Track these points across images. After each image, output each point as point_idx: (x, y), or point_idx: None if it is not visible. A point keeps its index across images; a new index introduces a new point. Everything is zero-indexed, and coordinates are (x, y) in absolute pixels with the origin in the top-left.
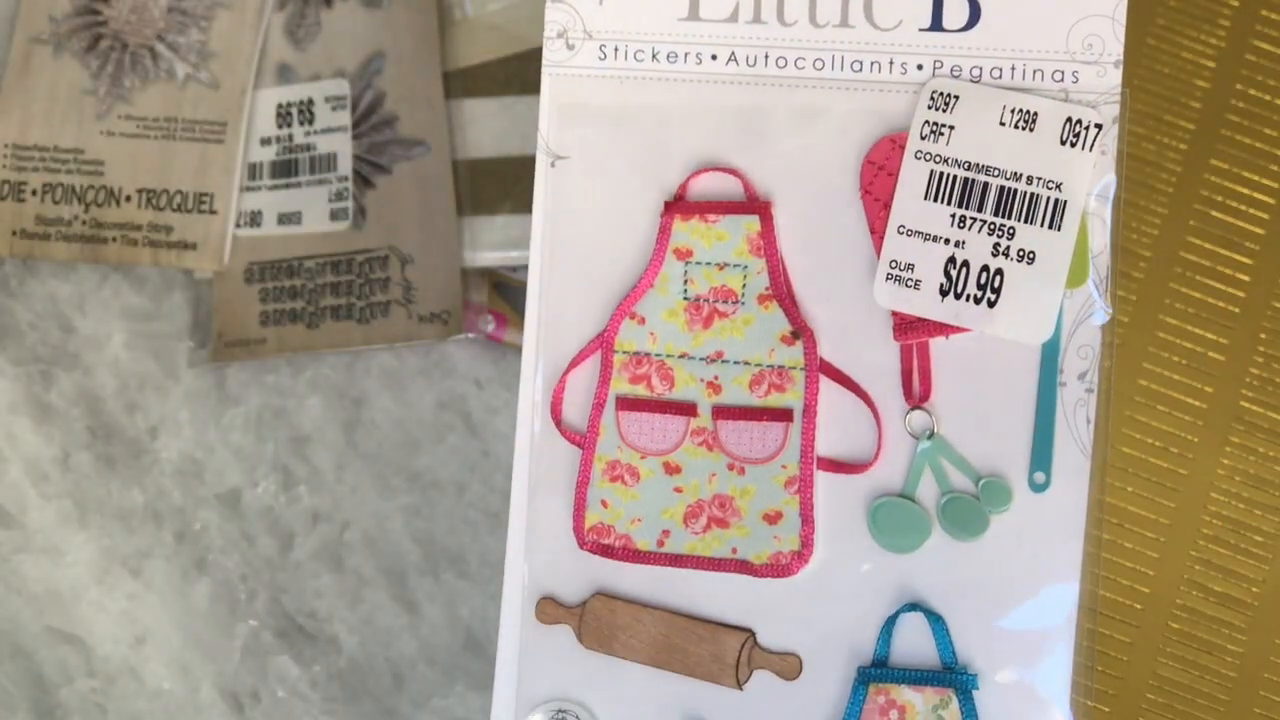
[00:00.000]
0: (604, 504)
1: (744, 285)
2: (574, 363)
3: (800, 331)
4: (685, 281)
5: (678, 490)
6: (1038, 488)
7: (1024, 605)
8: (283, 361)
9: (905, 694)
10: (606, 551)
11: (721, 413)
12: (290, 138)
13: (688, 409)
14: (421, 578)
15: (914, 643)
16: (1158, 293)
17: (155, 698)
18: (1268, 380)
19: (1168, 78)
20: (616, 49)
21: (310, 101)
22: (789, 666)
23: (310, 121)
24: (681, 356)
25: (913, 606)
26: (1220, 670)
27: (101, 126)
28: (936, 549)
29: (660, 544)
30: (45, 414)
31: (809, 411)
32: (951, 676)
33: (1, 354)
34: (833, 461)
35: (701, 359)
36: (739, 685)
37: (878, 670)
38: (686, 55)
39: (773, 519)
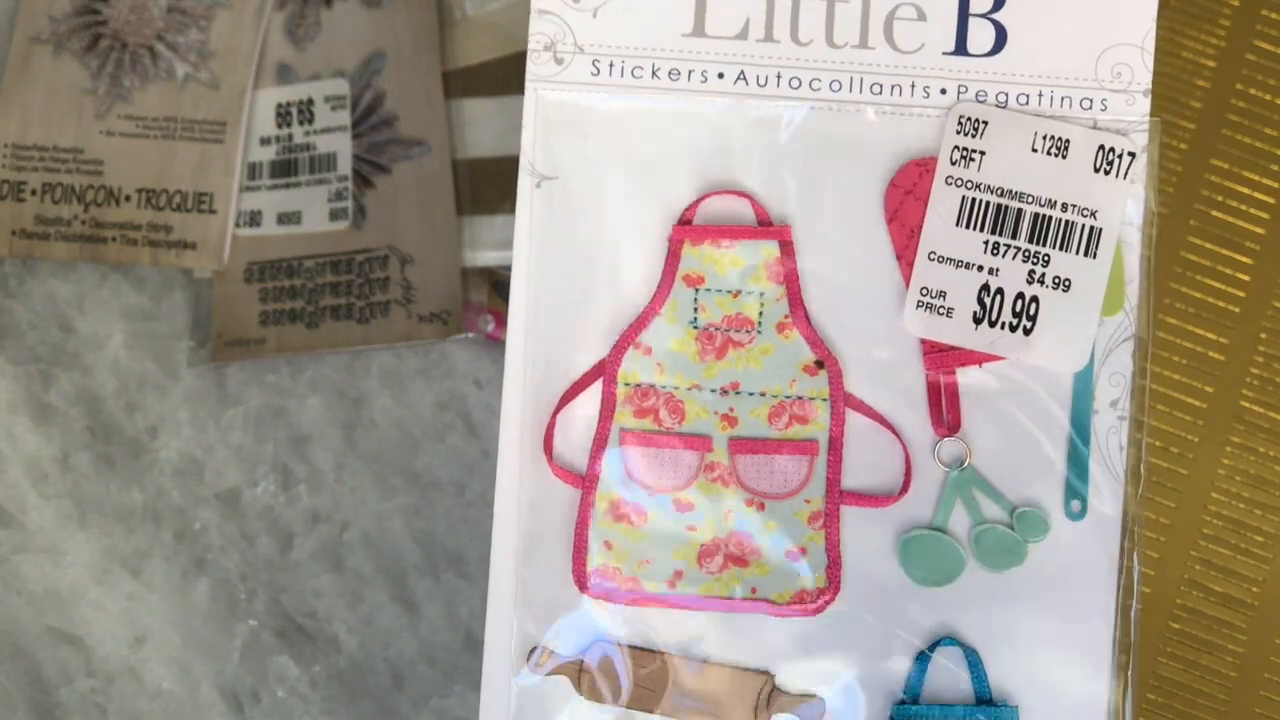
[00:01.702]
0: (607, 545)
1: (761, 313)
2: (567, 396)
3: (824, 361)
4: (696, 309)
5: (690, 529)
6: (1074, 516)
7: (1062, 635)
8: (282, 361)
9: None
10: (612, 595)
11: (739, 446)
12: (290, 137)
13: (701, 443)
14: (421, 578)
15: (946, 678)
16: (1158, 293)
17: (155, 698)
18: (1268, 380)
19: (1168, 78)
20: (612, 64)
21: (310, 101)
22: (812, 709)
23: (310, 121)
24: (692, 388)
25: (949, 640)
26: (1220, 670)
27: (101, 126)
28: (970, 581)
29: (672, 585)
30: (45, 414)
31: (835, 444)
32: (993, 710)
33: (1, 354)
34: (858, 494)
35: (714, 390)
36: None
37: (913, 707)
38: (690, 73)
39: (795, 556)
